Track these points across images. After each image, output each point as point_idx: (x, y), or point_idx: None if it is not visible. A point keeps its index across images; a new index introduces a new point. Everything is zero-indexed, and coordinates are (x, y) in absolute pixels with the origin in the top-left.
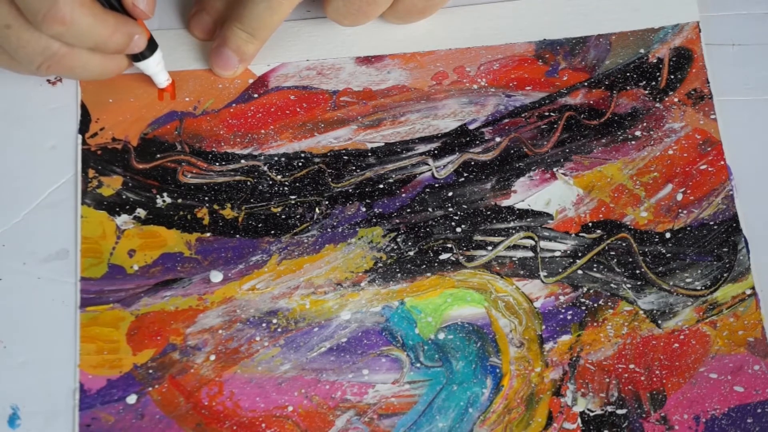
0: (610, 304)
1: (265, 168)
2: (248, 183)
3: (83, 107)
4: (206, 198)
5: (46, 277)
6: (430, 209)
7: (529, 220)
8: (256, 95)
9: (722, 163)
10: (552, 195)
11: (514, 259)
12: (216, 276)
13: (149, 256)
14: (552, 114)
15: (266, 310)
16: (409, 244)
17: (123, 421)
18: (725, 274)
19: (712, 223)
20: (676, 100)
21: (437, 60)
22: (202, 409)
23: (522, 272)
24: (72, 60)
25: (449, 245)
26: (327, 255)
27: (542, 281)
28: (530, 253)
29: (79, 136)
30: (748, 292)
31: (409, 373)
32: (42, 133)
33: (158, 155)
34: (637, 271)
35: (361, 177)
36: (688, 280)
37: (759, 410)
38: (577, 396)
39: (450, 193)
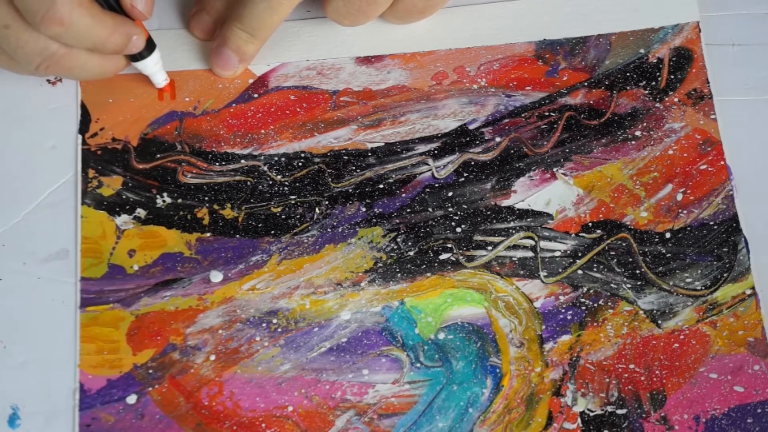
0: (610, 304)
1: (265, 168)
2: (248, 183)
3: (83, 107)
4: (206, 198)
5: (46, 277)
6: (430, 209)
7: (529, 220)
8: (256, 95)
9: (722, 163)
10: (552, 195)
11: (514, 259)
12: (216, 276)
13: (149, 256)
14: (552, 114)
15: (266, 310)
16: (409, 244)
17: (123, 421)
18: (725, 274)
19: (712, 223)
20: (676, 100)
21: (437, 60)
22: (202, 409)
23: (522, 272)
24: (70, 60)
25: (449, 245)
26: (327, 255)
27: (542, 281)
28: (530, 253)
29: (79, 136)
30: (748, 292)
31: (409, 373)
32: (42, 133)
33: (158, 155)
34: (637, 271)
35: (361, 177)
36: (688, 280)
37: (759, 410)
38: (577, 396)
39: (450, 193)
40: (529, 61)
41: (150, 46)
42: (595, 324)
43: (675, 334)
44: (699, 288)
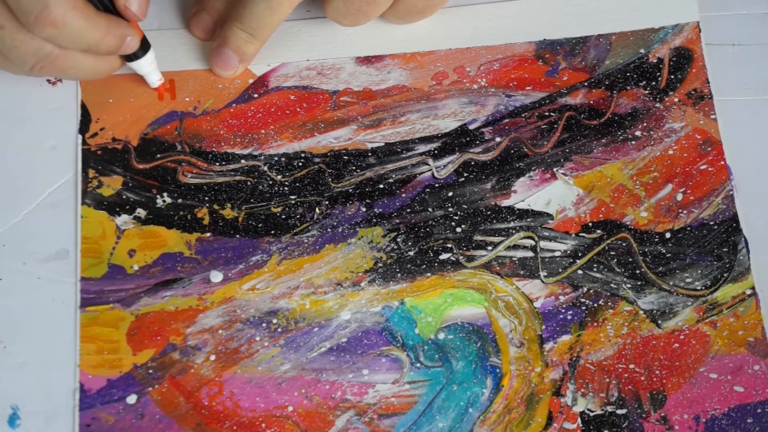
0: (610, 304)
1: (265, 168)
2: (248, 183)
3: (83, 107)
4: (206, 198)
5: (46, 277)
6: (430, 209)
7: (529, 220)
8: (256, 95)
9: (722, 163)
10: (552, 195)
11: (514, 259)
12: (216, 276)
13: (149, 256)
14: (552, 114)
15: (266, 310)
16: (409, 244)
17: (123, 421)
18: (725, 274)
19: (712, 223)
20: (676, 100)
21: (437, 60)
22: (202, 409)
23: (522, 272)
24: (65, 61)
25: (449, 245)
26: (327, 255)
27: (542, 281)
28: (530, 253)
29: (79, 136)
30: (748, 292)
31: (409, 373)
32: (42, 133)
33: (158, 155)
34: (637, 271)
35: (361, 177)
36: (688, 280)
37: (759, 410)
38: (577, 396)
39: (450, 193)
40: (529, 61)
41: (144, 47)
42: (595, 324)
43: (675, 334)
44: (699, 288)
